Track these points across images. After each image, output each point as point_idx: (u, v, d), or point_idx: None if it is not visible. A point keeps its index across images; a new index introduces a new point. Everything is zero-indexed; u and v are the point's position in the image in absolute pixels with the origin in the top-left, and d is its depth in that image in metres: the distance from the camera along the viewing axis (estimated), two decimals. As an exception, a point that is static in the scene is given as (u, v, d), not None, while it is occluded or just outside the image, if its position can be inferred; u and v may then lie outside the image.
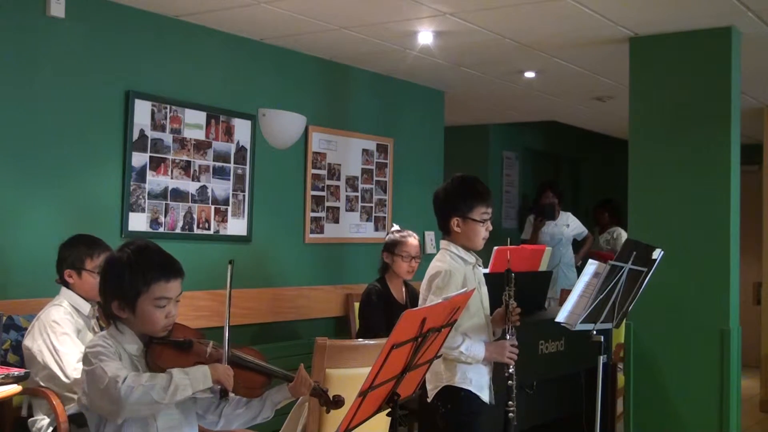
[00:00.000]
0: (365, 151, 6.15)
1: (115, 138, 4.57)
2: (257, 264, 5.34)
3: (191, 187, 4.94)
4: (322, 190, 5.80)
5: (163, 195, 4.78)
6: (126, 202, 4.59)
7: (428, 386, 3.33)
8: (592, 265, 3.57)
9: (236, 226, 5.19)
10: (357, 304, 5.16)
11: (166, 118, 4.79)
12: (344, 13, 4.72)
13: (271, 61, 5.43)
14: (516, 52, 5.49)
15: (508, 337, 3.28)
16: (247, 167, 5.26)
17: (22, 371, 3.42)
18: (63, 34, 4.32)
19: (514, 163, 9.01)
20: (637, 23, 4.86)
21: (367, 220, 6.15)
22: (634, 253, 3.59)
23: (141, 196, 4.67)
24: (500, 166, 8.78)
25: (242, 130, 5.23)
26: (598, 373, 3.75)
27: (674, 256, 4.46)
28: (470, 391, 3.27)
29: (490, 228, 3.35)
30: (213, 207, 5.06)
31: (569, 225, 7.69)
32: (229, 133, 5.16)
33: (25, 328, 3.71)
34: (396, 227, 4.78)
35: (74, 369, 3.44)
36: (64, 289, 3.67)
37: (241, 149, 5.23)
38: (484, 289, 3.40)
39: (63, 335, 3.51)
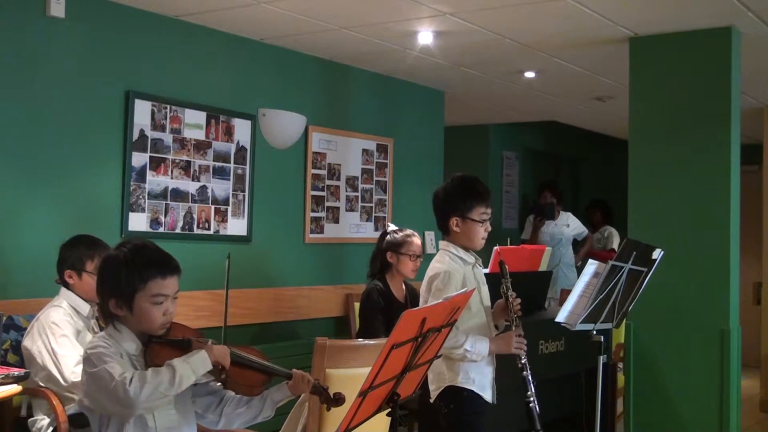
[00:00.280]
0: (365, 151, 6.15)
1: (115, 138, 4.57)
2: (257, 264, 5.34)
3: (191, 187, 4.94)
4: (322, 190, 5.80)
5: (163, 195, 4.78)
6: (126, 202, 4.59)
7: (431, 387, 3.33)
8: (592, 265, 3.57)
9: (236, 226, 5.19)
10: (357, 304, 5.15)
11: (166, 118, 4.80)
12: (344, 13, 4.72)
13: (271, 61, 5.44)
14: (516, 52, 5.49)
15: (513, 329, 3.28)
16: (247, 167, 5.26)
17: (22, 371, 3.41)
18: (63, 34, 4.32)
19: (514, 163, 9.00)
20: (637, 23, 4.86)
21: (367, 220, 6.15)
22: (634, 253, 3.59)
23: (141, 196, 4.67)
24: (500, 166, 8.78)
25: (242, 130, 5.23)
26: (598, 373, 3.75)
27: (674, 256, 4.46)
28: (473, 391, 3.27)
29: (489, 228, 3.35)
30: (213, 207, 5.06)
31: (569, 225, 7.70)
32: (229, 133, 5.16)
33: (25, 328, 3.71)
34: (393, 227, 4.76)
35: (72, 372, 3.43)
36: (63, 290, 3.66)
37: (241, 149, 5.23)
38: (485, 289, 3.40)
39: (62, 337, 3.50)
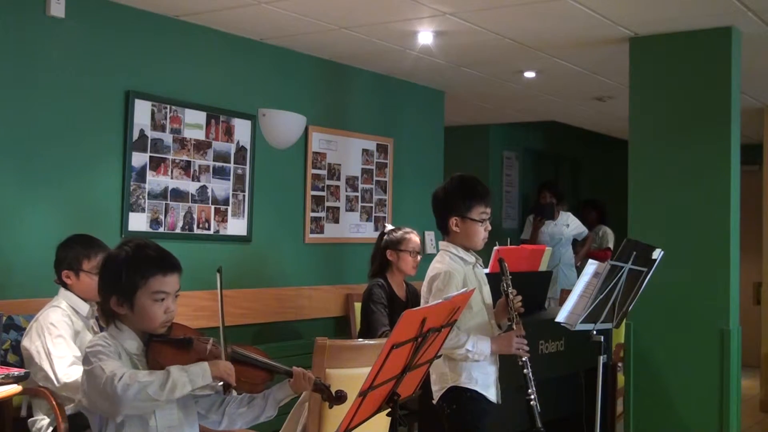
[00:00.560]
0: (365, 151, 6.15)
1: (115, 138, 4.57)
2: (257, 264, 5.34)
3: (191, 187, 4.94)
4: (322, 190, 5.80)
5: (163, 195, 4.78)
6: (126, 202, 4.59)
7: (434, 388, 3.33)
8: (592, 265, 3.57)
9: (236, 226, 5.19)
10: (357, 304, 5.15)
11: (166, 118, 4.79)
12: (344, 13, 4.72)
13: (271, 61, 5.44)
14: (516, 52, 5.49)
15: (514, 327, 3.27)
16: (247, 167, 5.26)
17: (22, 371, 3.41)
18: (63, 34, 4.32)
19: (514, 163, 9.00)
20: (637, 23, 4.86)
21: (367, 220, 6.15)
22: (634, 253, 3.59)
23: (141, 196, 4.67)
24: (500, 166, 8.78)
25: (242, 130, 5.23)
26: (598, 373, 3.75)
27: (674, 256, 4.46)
28: (476, 391, 3.27)
29: (489, 228, 3.35)
30: (213, 207, 5.06)
31: (569, 225, 7.70)
32: (229, 133, 5.16)
33: (25, 328, 3.70)
34: (390, 227, 4.79)
35: (65, 374, 3.42)
36: (62, 290, 3.66)
37: (241, 149, 5.23)
38: (486, 289, 3.40)
39: (58, 338, 3.49)
